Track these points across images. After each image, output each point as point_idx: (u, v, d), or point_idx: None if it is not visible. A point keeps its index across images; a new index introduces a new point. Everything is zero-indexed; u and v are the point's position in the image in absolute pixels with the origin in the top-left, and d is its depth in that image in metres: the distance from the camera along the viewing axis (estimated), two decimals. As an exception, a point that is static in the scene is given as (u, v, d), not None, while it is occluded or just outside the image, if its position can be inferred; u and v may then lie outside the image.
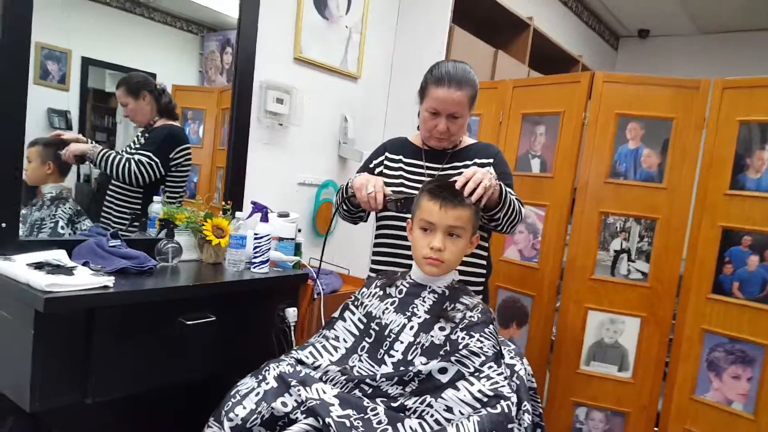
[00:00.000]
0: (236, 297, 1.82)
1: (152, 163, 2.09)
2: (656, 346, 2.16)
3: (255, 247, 1.92)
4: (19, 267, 1.49)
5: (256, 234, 1.92)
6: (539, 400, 1.45)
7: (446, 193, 1.36)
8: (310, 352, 1.44)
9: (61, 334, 1.41)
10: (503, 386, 1.23)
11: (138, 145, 2.13)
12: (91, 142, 2.01)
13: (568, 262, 2.26)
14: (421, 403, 1.25)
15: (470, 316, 1.34)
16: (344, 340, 1.46)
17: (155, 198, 2.12)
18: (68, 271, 1.52)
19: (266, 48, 2.29)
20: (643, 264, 2.17)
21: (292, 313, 1.99)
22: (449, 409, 1.23)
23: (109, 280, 1.52)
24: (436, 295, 1.41)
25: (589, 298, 2.23)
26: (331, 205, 2.73)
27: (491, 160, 1.73)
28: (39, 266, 1.51)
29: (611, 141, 2.19)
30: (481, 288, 1.73)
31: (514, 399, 1.22)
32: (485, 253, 1.74)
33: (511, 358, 1.39)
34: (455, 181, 1.39)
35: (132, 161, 2.06)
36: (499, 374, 1.25)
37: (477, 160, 1.72)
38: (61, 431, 1.73)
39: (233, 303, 1.80)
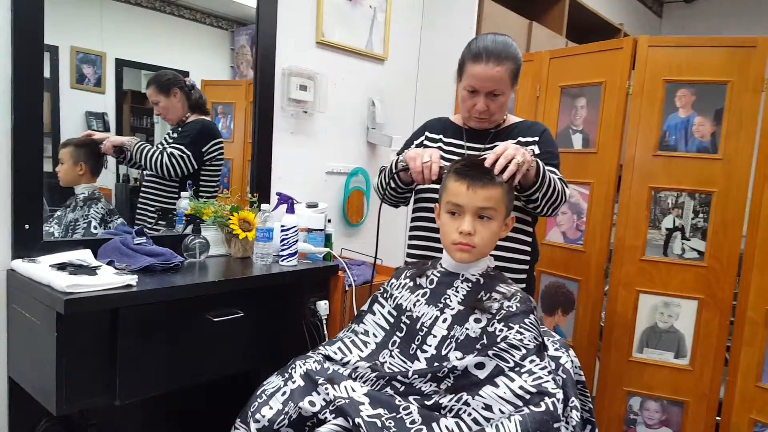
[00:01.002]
0: (265, 291, 1.76)
1: (184, 155, 2.07)
2: (716, 330, 1.99)
3: (282, 240, 1.86)
4: (42, 269, 1.46)
5: (282, 226, 1.86)
6: (588, 395, 1.33)
7: (474, 172, 1.25)
8: (339, 348, 1.37)
9: (85, 335, 1.38)
10: (547, 381, 1.13)
11: (171, 140, 2.12)
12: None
13: (616, 243, 2.11)
14: (458, 401, 1.16)
15: (508, 306, 1.23)
16: (374, 334, 1.37)
17: (183, 193, 2.08)
18: (91, 270, 1.49)
19: (287, 34, 2.21)
20: (698, 242, 2.01)
21: (323, 306, 1.92)
22: (488, 408, 1.14)
23: (132, 279, 1.48)
24: (469, 284, 1.31)
25: (640, 280, 2.07)
26: (362, 194, 2.65)
27: (536, 139, 1.61)
28: (62, 267, 1.49)
29: (659, 110, 2.02)
30: (524, 275, 1.62)
31: (560, 395, 1.11)
32: (529, 238, 1.62)
33: (556, 350, 1.27)
34: (485, 159, 1.28)
35: (165, 153, 2.05)
36: (542, 368, 1.15)
37: (521, 139, 1.61)
38: (96, 431, 1.72)
39: (262, 298, 1.74)
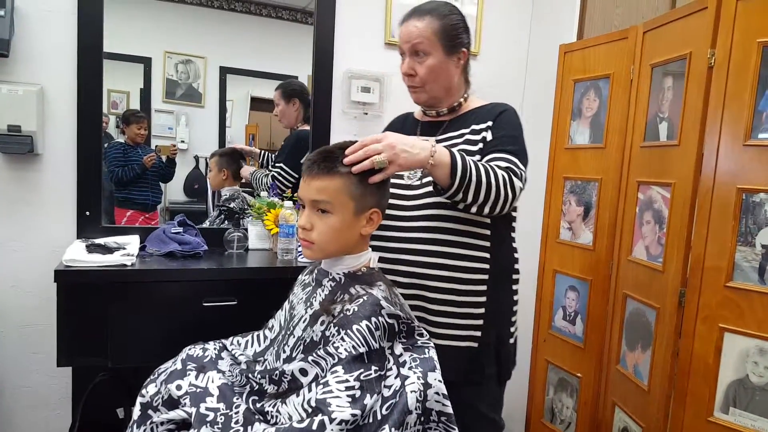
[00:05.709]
0: (267, 283, 1.80)
1: (282, 174, 2.31)
2: None
3: (293, 235, 1.91)
4: (74, 246, 1.78)
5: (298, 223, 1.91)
6: (454, 429, 1.05)
7: (312, 162, 1.14)
8: (247, 341, 1.37)
9: (81, 302, 1.63)
10: (336, 397, 0.96)
11: (277, 151, 2.40)
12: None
13: (693, 263, 1.58)
14: (273, 407, 1.07)
15: (347, 309, 1.08)
16: (275, 329, 1.34)
17: (262, 194, 2.29)
18: (106, 250, 1.76)
19: (351, 34, 2.25)
20: (813, 267, 1.38)
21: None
22: (291, 418, 1.02)
23: (129, 260, 1.71)
24: (333, 284, 1.18)
25: (725, 314, 1.51)
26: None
27: (489, 124, 1.37)
28: (89, 246, 1.79)
29: (753, 85, 1.45)
30: (484, 287, 1.36)
31: (344, 415, 0.93)
32: (486, 242, 1.36)
33: (410, 368, 1.05)
34: (346, 145, 1.15)
35: (269, 176, 2.33)
36: (340, 381, 0.98)
37: (475, 127, 1.39)
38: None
39: (262, 289, 1.79)
